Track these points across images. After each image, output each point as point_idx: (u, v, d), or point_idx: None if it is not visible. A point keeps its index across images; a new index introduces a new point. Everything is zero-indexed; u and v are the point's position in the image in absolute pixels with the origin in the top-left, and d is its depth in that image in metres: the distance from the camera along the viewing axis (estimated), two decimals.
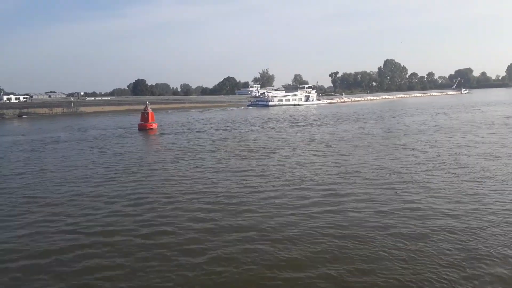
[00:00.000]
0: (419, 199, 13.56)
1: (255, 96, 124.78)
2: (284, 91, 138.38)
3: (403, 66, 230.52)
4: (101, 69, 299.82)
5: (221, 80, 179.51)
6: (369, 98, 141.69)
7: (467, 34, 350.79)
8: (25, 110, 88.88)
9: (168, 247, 10.30)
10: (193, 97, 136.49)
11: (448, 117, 48.44)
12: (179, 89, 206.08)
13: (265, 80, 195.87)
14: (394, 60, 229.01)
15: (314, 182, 16.48)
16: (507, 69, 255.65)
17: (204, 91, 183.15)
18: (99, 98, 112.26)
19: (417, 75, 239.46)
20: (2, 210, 14.28)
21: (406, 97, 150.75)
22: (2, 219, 13.17)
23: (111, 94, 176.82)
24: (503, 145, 24.38)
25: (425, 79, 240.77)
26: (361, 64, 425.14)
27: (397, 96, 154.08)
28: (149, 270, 9.10)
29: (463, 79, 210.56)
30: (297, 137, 33.42)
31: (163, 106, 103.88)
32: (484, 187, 14.74)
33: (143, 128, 45.59)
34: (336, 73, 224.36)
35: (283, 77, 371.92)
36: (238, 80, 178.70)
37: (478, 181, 15.66)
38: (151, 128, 45.71)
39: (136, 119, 60.05)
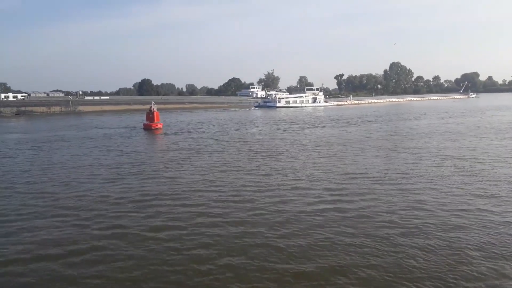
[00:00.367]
0: (427, 199, 13.45)
1: (262, 98, 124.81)
2: (286, 93, 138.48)
3: (409, 69, 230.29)
4: (107, 68, 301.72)
5: (226, 81, 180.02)
6: (376, 100, 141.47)
7: (473, 38, 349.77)
8: (23, 109, 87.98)
9: (180, 241, 10.54)
10: (193, 97, 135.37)
11: (465, 121, 48.10)
12: (184, 89, 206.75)
13: (270, 81, 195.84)
14: (400, 63, 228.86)
15: (321, 183, 16.37)
16: None
17: (209, 91, 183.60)
18: (98, 98, 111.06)
19: (423, 79, 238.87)
20: (12, 206, 14.31)
21: (414, 100, 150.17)
22: (13, 215, 13.21)
23: (117, 93, 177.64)
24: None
25: (431, 83, 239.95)
26: (366, 66, 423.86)
27: (404, 99, 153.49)
28: (161, 262, 9.34)
29: (470, 84, 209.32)
30: (304, 139, 33.29)
31: (162, 106, 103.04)
32: (494, 189, 14.57)
33: (149, 128, 45.64)
34: (342, 75, 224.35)
35: (288, 79, 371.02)
36: (243, 81, 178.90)
37: (489, 184, 15.49)
38: (157, 128, 45.76)
39: (137, 118, 60.73)
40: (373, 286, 8.13)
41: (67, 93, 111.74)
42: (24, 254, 10.00)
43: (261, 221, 12.01)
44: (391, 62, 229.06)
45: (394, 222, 11.56)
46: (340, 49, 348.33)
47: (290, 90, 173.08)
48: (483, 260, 8.99)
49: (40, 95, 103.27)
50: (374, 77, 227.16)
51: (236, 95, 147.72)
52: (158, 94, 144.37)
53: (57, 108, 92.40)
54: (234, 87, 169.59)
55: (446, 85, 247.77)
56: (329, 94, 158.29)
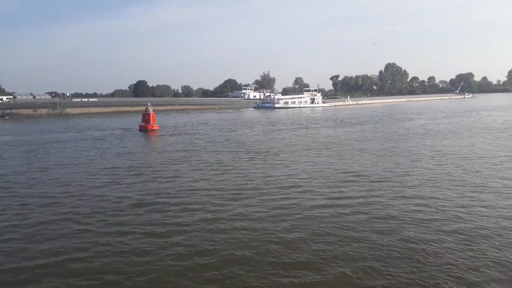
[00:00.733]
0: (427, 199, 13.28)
1: (254, 99, 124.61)
2: (280, 94, 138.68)
3: (404, 70, 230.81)
4: (102, 70, 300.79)
5: (222, 82, 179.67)
6: (374, 101, 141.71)
7: (468, 39, 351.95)
8: (8, 111, 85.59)
9: (180, 244, 10.40)
10: (183, 99, 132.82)
11: (466, 121, 48.15)
12: (180, 91, 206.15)
13: (266, 82, 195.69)
14: (395, 64, 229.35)
15: (321, 183, 16.15)
16: (508, 74, 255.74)
17: (205, 93, 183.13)
18: (86, 100, 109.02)
19: (418, 79, 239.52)
20: (11, 209, 14.07)
21: (410, 100, 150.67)
22: (12, 218, 12.94)
23: (112, 95, 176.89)
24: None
25: (426, 83, 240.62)
26: (362, 67, 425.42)
27: (402, 99, 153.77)
28: (163, 264, 9.24)
29: (466, 84, 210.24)
30: (305, 139, 33.08)
31: (152, 108, 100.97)
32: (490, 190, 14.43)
33: (144, 129, 45.31)
34: (337, 76, 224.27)
35: (284, 80, 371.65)
36: (239, 83, 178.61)
37: (484, 185, 15.35)
38: (152, 129, 45.45)
39: (127, 120, 60.20)
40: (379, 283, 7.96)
41: (54, 95, 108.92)
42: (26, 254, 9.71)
43: (263, 218, 12.01)
44: (387, 63, 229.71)
45: (395, 223, 11.35)
46: (336, 50, 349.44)
47: (286, 91, 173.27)
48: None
49: (26, 97, 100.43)
50: (370, 78, 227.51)
51: (228, 96, 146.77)
52: (153, 95, 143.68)
53: (43, 111, 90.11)
54: (230, 88, 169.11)
55: (441, 86, 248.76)
56: (325, 95, 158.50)
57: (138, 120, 49.42)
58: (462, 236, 10.31)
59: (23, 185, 17.67)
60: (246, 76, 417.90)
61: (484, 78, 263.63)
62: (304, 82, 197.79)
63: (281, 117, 67.42)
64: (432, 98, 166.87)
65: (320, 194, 14.70)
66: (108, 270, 8.99)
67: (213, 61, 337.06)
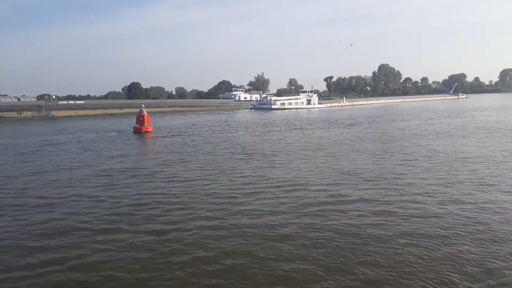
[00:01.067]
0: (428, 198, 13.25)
1: (257, 100, 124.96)
2: (274, 95, 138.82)
3: (398, 71, 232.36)
4: (96, 72, 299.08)
5: (216, 84, 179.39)
6: (369, 102, 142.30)
7: (460, 40, 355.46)
8: None
9: (180, 241, 10.47)
10: (171, 101, 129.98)
11: (465, 120, 48.40)
12: (174, 92, 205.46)
13: (261, 84, 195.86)
14: (388, 65, 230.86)
15: (319, 184, 16.06)
16: (500, 75, 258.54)
17: (199, 94, 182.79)
18: (73, 102, 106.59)
19: (411, 80, 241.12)
20: (10, 209, 14.05)
21: (405, 101, 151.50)
22: (8, 219, 12.75)
23: (106, 97, 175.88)
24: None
25: (419, 84, 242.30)
26: (355, 68, 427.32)
27: (396, 100, 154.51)
28: (165, 262, 9.28)
29: (459, 85, 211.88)
30: (304, 141, 33.03)
31: (137, 110, 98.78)
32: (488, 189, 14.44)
33: (139, 131, 45.03)
34: (331, 77, 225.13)
35: (278, 81, 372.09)
36: (233, 84, 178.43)
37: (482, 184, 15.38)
38: (147, 131, 45.20)
39: (113, 122, 59.56)
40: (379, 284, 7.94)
41: (39, 98, 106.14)
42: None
43: (261, 220, 11.91)
44: (380, 64, 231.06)
45: (395, 222, 11.30)
46: (329, 51, 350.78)
47: (280, 92, 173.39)
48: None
49: (10, 99, 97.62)
50: (363, 79, 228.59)
51: (219, 98, 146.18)
52: (147, 97, 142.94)
53: (28, 113, 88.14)
54: (224, 90, 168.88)
55: (434, 86, 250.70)
56: (320, 96, 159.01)
57: (127, 122, 48.74)
58: (463, 234, 10.28)
59: (18, 187, 17.43)
60: (240, 77, 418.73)
61: (477, 79, 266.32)
62: (299, 83, 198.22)
63: (279, 118, 67.31)
64: (427, 98, 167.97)
65: (320, 192, 14.65)
66: (109, 269, 9.00)
67: (207, 63, 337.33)
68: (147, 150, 31.28)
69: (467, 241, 9.90)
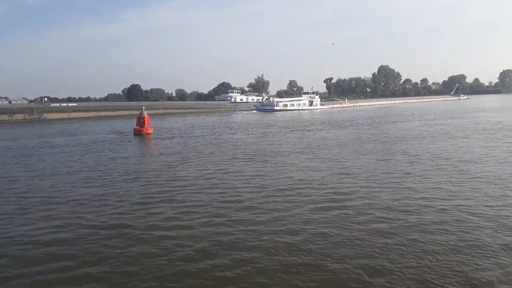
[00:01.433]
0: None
1: (258, 101, 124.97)
2: (273, 96, 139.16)
3: (397, 72, 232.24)
4: (96, 74, 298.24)
5: (216, 86, 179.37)
6: (371, 103, 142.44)
7: (460, 41, 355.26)
8: None
9: (187, 245, 10.42)
10: (167, 102, 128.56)
11: (472, 120, 48.40)
12: (174, 94, 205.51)
13: (260, 85, 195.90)
14: (388, 66, 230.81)
15: (319, 184, 16.02)
16: (499, 76, 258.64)
17: (199, 96, 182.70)
18: (65, 104, 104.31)
19: (411, 81, 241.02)
20: (17, 211, 14.10)
21: (406, 102, 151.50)
22: (20, 221, 12.85)
23: (106, 99, 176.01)
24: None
25: (419, 85, 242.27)
26: (355, 70, 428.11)
27: (398, 101, 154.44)
28: (171, 264, 9.34)
29: (460, 86, 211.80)
30: (307, 141, 32.98)
31: (135, 112, 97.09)
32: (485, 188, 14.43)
33: (139, 133, 44.98)
34: (331, 79, 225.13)
35: (278, 83, 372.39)
36: (233, 86, 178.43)
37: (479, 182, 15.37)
38: (147, 133, 45.16)
39: (107, 124, 59.29)
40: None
41: (31, 100, 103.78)
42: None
43: (265, 220, 12.05)
44: (380, 65, 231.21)
45: (395, 221, 11.28)
46: (329, 52, 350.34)
47: (280, 94, 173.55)
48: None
49: (1, 102, 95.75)
50: (363, 80, 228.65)
51: (215, 100, 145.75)
52: (147, 99, 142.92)
53: (20, 116, 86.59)
54: (224, 91, 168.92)
55: (433, 88, 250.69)
56: (321, 97, 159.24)
57: (120, 124, 48.34)
58: (466, 235, 10.28)
59: (20, 191, 17.40)
60: (240, 79, 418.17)
61: (476, 80, 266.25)
62: (299, 85, 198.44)
63: (282, 120, 67.23)
64: (428, 99, 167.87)
65: (321, 195, 14.63)
66: (115, 271, 9.04)
67: (207, 64, 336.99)
68: (148, 152, 31.20)
69: (473, 237, 9.91)
